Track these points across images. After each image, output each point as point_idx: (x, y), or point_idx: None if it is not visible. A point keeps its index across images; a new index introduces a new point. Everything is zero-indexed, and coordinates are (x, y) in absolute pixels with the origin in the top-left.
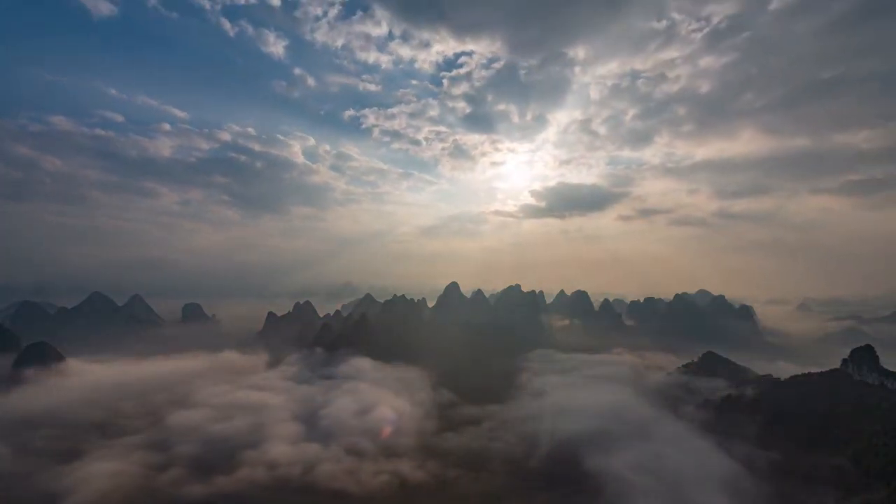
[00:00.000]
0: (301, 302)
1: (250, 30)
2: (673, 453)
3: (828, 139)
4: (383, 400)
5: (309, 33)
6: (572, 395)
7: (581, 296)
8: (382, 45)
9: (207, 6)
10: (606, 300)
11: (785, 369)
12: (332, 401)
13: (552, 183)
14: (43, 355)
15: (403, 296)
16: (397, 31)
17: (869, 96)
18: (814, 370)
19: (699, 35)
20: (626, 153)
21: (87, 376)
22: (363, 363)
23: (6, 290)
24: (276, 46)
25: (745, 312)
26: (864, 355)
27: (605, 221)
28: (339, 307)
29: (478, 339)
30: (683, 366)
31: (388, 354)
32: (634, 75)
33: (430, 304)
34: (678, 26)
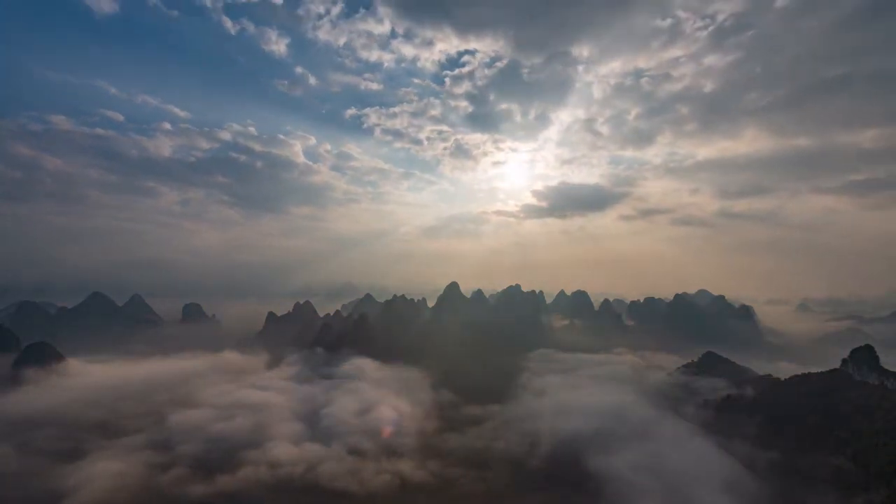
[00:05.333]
0: (301, 302)
1: (252, 28)
2: (673, 453)
3: (831, 138)
4: (384, 400)
5: (311, 31)
6: (572, 396)
7: (581, 296)
8: (385, 43)
9: (209, 4)
10: (606, 300)
11: (785, 369)
12: (332, 401)
13: (554, 182)
14: (43, 355)
15: (403, 296)
16: (400, 29)
17: (874, 95)
18: (814, 370)
19: (704, 33)
20: (629, 153)
21: (87, 376)
22: (363, 363)
23: (6, 290)
24: (277, 45)
25: (745, 312)
26: (864, 355)
27: (606, 221)
28: (339, 307)
29: (478, 339)
30: (683, 366)
31: (389, 354)
32: (638, 74)
33: (430, 304)
34: (683, 24)
